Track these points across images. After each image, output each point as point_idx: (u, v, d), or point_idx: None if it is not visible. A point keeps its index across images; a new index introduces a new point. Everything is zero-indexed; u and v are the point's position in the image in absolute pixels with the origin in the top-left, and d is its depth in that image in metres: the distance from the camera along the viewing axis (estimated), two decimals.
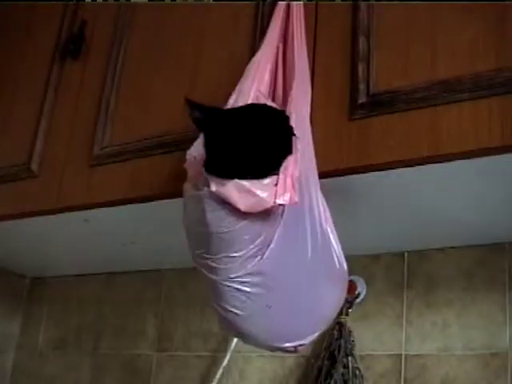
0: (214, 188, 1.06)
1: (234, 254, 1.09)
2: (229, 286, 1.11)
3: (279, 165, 1.07)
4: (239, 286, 1.11)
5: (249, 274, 1.10)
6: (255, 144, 1.07)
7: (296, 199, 1.07)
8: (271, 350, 1.23)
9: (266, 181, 1.06)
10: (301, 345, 1.19)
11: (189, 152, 1.18)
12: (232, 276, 1.10)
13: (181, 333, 1.88)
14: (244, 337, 1.19)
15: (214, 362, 1.77)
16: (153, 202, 1.44)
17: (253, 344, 1.21)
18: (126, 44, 1.63)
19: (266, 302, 1.12)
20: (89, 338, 2.06)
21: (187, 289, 1.91)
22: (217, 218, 1.08)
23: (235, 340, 1.70)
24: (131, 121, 1.54)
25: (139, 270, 2.02)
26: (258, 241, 1.09)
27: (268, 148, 1.07)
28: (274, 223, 1.10)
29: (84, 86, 1.65)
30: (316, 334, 1.21)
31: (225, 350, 1.74)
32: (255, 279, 1.11)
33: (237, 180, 1.05)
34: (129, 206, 1.49)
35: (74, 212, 1.57)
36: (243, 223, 1.08)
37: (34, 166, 1.65)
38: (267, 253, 1.10)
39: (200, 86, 1.46)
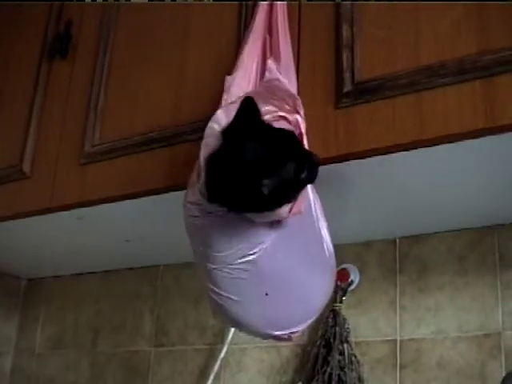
0: None
1: (232, 243, 1.11)
2: (226, 273, 1.12)
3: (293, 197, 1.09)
4: (236, 274, 1.12)
5: (247, 261, 1.12)
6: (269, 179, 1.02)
7: (303, 209, 1.12)
8: (265, 338, 1.23)
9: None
10: (294, 332, 1.20)
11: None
12: (230, 264, 1.12)
13: (177, 327, 1.89)
14: (238, 324, 1.20)
15: (212, 355, 1.78)
16: (145, 198, 1.45)
17: (247, 332, 1.22)
18: (113, 42, 1.64)
19: (264, 290, 1.14)
20: (86, 336, 2.07)
21: (182, 283, 1.92)
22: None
23: (232, 332, 1.72)
24: (121, 118, 1.55)
25: (134, 267, 2.03)
26: (256, 230, 1.12)
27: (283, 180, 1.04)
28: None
29: (73, 84, 1.66)
30: (309, 322, 1.22)
31: (221, 343, 1.76)
32: (253, 267, 1.12)
33: None
34: (122, 202, 1.49)
35: (68, 211, 1.57)
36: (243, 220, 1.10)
37: (26, 167, 1.65)
38: (265, 242, 1.12)
39: (187, 82, 1.47)
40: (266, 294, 1.14)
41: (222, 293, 1.14)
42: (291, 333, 1.20)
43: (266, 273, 1.14)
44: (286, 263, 1.16)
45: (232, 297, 1.14)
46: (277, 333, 1.19)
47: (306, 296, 1.21)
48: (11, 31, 1.88)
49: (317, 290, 1.23)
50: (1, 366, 2.17)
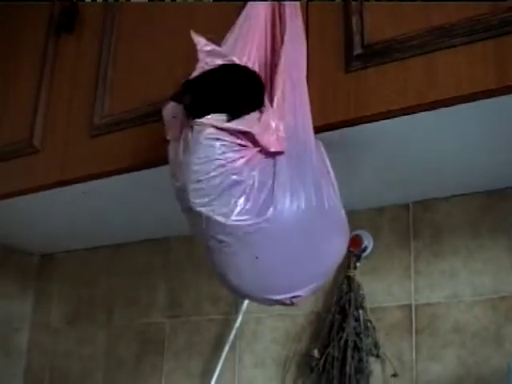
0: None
1: (231, 200, 1.09)
2: (217, 239, 1.12)
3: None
4: (225, 239, 1.11)
5: (236, 225, 1.10)
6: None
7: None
8: (266, 304, 1.22)
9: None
10: (295, 296, 1.18)
11: (166, 114, 1.23)
12: (219, 228, 1.11)
13: (191, 298, 1.90)
14: (234, 289, 1.18)
15: (227, 325, 1.79)
16: (156, 168, 1.45)
17: (247, 298, 1.22)
18: (120, 13, 1.63)
19: (254, 254, 1.12)
20: (101, 310, 2.08)
21: (194, 254, 1.93)
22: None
23: (246, 301, 1.73)
24: (129, 89, 1.54)
25: (146, 239, 2.04)
26: (249, 192, 1.10)
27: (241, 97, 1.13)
28: (269, 174, 1.11)
29: (80, 57, 1.65)
30: (312, 286, 1.20)
31: (236, 312, 1.76)
32: (243, 232, 1.10)
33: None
34: (132, 173, 1.50)
35: (79, 184, 1.58)
36: (244, 171, 1.09)
37: (36, 141, 1.66)
38: (259, 206, 1.10)
39: (195, 53, 1.45)
40: (256, 258, 1.12)
41: (216, 260, 1.14)
42: (293, 297, 1.18)
43: (254, 237, 1.11)
44: (279, 228, 1.13)
45: (224, 262, 1.13)
46: (276, 297, 1.17)
47: (308, 259, 1.18)
48: (18, 7, 1.87)
49: (322, 255, 1.21)
50: (17, 341, 2.19)
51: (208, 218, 1.11)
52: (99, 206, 1.77)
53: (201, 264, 1.89)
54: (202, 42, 1.17)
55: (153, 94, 1.48)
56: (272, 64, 1.24)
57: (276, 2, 1.28)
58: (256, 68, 1.20)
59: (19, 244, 2.18)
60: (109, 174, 1.52)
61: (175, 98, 1.19)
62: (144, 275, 2.02)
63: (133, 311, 2.01)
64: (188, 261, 1.94)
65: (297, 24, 1.27)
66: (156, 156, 1.42)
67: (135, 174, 1.50)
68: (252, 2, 1.27)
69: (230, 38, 1.23)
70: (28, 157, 1.66)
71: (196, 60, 1.29)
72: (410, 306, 1.56)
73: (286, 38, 1.22)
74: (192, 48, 1.44)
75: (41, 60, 1.73)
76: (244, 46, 1.21)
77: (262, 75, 1.21)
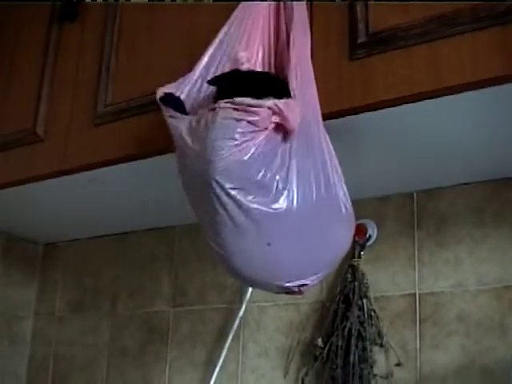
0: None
1: (244, 184, 1.08)
2: (228, 222, 1.10)
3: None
4: (237, 223, 1.10)
5: (252, 208, 1.09)
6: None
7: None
8: (274, 291, 1.22)
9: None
10: (303, 285, 1.18)
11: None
12: (234, 209, 1.09)
13: (195, 287, 1.90)
14: (241, 275, 1.17)
15: (231, 314, 1.79)
16: (159, 157, 1.44)
17: (252, 283, 1.21)
18: (122, 5, 1.62)
19: (266, 240, 1.12)
20: (105, 299, 2.09)
21: (199, 243, 1.92)
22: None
23: (250, 291, 1.73)
24: (133, 77, 1.54)
25: (150, 228, 2.04)
26: (265, 174, 1.09)
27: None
28: (284, 161, 1.11)
29: (84, 46, 1.65)
30: (320, 275, 1.20)
31: (240, 301, 1.76)
32: (258, 215, 1.09)
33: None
34: (136, 162, 1.49)
35: (82, 172, 1.58)
36: (259, 154, 1.08)
37: (40, 130, 1.65)
38: (274, 190, 1.10)
39: (198, 42, 1.44)
40: (268, 244, 1.12)
41: (226, 244, 1.12)
42: (301, 285, 1.18)
43: (268, 222, 1.11)
44: (291, 214, 1.12)
45: (235, 247, 1.12)
46: (285, 284, 1.17)
47: (316, 248, 1.19)
48: None
49: (329, 244, 1.21)
50: (21, 330, 2.19)
51: (224, 200, 1.09)
52: (103, 195, 1.77)
53: (205, 253, 1.88)
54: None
55: (156, 82, 1.46)
56: (277, 58, 1.25)
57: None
58: (260, 62, 1.24)
59: (24, 233, 2.19)
60: (112, 162, 1.51)
61: (211, 81, 1.21)
62: (148, 264, 2.02)
63: (137, 300, 2.01)
64: (192, 250, 1.94)
65: (302, 16, 1.26)
66: (159, 144, 1.42)
67: (139, 162, 1.50)
68: (245, 3, 1.27)
69: (225, 39, 1.26)
70: (31, 145, 1.66)
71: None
72: (414, 295, 1.56)
73: (293, 32, 1.21)
74: (193, 38, 1.46)
75: (44, 49, 1.73)
76: (246, 45, 1.24)
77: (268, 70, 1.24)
